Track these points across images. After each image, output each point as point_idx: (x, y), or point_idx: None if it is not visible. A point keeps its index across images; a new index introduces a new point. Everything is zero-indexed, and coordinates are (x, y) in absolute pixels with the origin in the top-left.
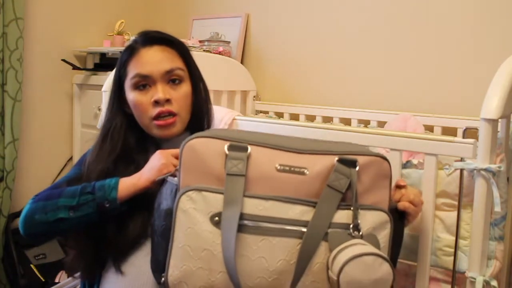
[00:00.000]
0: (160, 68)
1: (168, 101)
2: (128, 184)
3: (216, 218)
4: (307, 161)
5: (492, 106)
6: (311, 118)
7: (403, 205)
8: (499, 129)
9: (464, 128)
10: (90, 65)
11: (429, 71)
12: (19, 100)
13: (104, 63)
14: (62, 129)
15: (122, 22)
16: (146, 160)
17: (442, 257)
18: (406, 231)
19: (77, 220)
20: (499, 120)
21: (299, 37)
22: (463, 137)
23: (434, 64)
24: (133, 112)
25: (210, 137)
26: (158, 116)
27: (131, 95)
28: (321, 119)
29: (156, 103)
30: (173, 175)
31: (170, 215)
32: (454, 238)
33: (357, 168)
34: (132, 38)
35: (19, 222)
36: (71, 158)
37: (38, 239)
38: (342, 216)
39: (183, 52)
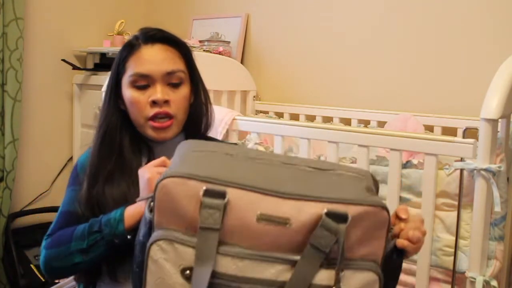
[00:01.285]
0: (161, 69)
1: (166, 102)
2: (133, 213)
3: (187, 272)
4: (292, 209)
5: (492, 106)
6: (311, 118)
7: (401, 243)
8: (499, 129)
9: (464, 128)
10: (90, 65)
11: (429, 71)
12: (19, 100)
13: (104, 63)
14: (62, 129)
15: (122, 22)
16: (139, 164)
17: (442, 257)
18: None
19: (91, 260)
20: (499, 120)
21: (299, 37)
22: (463, 137)
23: (434, 64)
24: (128, 110)
25: (186, 177)
26: (154, 117)
27: (128, 92)
28: (321, 119)
29: (154, 103)
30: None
31: (144, 249)
32: (454, 238)
33: (347, 223)
34: (133, 34)
35: (40, 266)
36: (71, 158)
37: (64, 277)
38: (324, 277)
39: (185, 53)
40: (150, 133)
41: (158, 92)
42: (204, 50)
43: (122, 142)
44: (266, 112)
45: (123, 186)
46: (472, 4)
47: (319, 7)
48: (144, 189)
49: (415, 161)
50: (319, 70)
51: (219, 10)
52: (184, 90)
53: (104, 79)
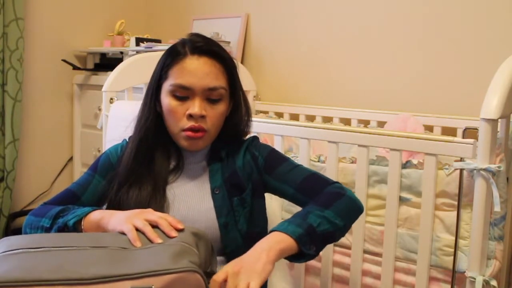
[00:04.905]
0: (203, 83)
1: (202, 117)
2: (94, 220)
3: None
4: None
5: (491, 106)
6: (311, 118)
7: None
8: (498, 129)
9: (464, 128)
10: (90, 65)
11: (429, 71)
12: (19, 100)
13: (104, 63)
14: (62, 129)
15: (122, 22)
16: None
17: (442, 257)
18: (405, 230)
19: None
20: (499, 120)
21: (299, 37)
22: (463, 137)
23: (434, 64)
24: (164, 116)
25: None
26: (189, 129)
27: (167, 100)
28: (321, 119)
29: (191, 116)
30: None
31: None
32: (453, 238)
33: None
34: (183, 38)
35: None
36: (71, 158)
37: None
38: None
39: (230, 69)
40: (183, 142)
41: (196, 106)
42: None
43: (155, 148)
44: (266, 112)
45: (149, 189)
46: (472, 4)
47: (319, 7)
48: (118, 223)
49: (415, 161)
50: (319, 70)
51: (219, 10)
52: (222, 107)
53: (104, 79)
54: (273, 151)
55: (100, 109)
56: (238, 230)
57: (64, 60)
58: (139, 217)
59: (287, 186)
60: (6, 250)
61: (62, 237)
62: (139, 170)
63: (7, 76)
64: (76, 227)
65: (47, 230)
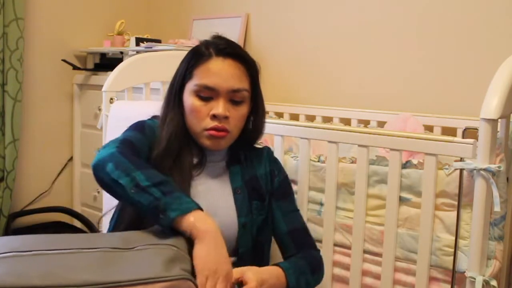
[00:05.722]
0: (227, 85)
1: (225, 118)
2: (193, 224)
3: None
4: None
5: (491, 106)
6: (311, 118)
7: None
8: (498, 129)
9: (464, 128)
10: (90, 65)
11: (429, 71)
12: (19, 100)
13: (104, 63)
14: (62, 129)
15: (122, 22)
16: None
17: (441, 257)
18: (405, 230)
19: (130, 198)
20: (499, 120)
21: (299, 37)
22: (463, 137)
23: (434, 64)
24: (186, 115)
25: None
26: (211, 129)
27: (190, 100)
28: (321, 119)
29: (214, 117)
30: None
31: None
32: (453, 238)
33: None
34: (206, 39)
35: (95, 157)
36: (71, 158)
37: (98, 183)
38: None
39: (252, 72)
40: (205, 141)
41: (220, 107)
42: None
43: (182, 145)
44: (266, 112)
45: (177, 181)
46: (472, 4)
47: (319, 7)
48: (204, 261)
49: (415, 161)
50: (319, 70)
51: (219, 10)
52: (244, 109)
53: (104, 79)
54: (287, 178)
55: (100, 109)
56: (251, 233)
57: (64, 60)
58: (221, 278)
59: (283, 223)
60: None
61: (53, 239)
62: (166, 166)
63: (7, 76)
64: (173, 221)
65: (136, 186)
